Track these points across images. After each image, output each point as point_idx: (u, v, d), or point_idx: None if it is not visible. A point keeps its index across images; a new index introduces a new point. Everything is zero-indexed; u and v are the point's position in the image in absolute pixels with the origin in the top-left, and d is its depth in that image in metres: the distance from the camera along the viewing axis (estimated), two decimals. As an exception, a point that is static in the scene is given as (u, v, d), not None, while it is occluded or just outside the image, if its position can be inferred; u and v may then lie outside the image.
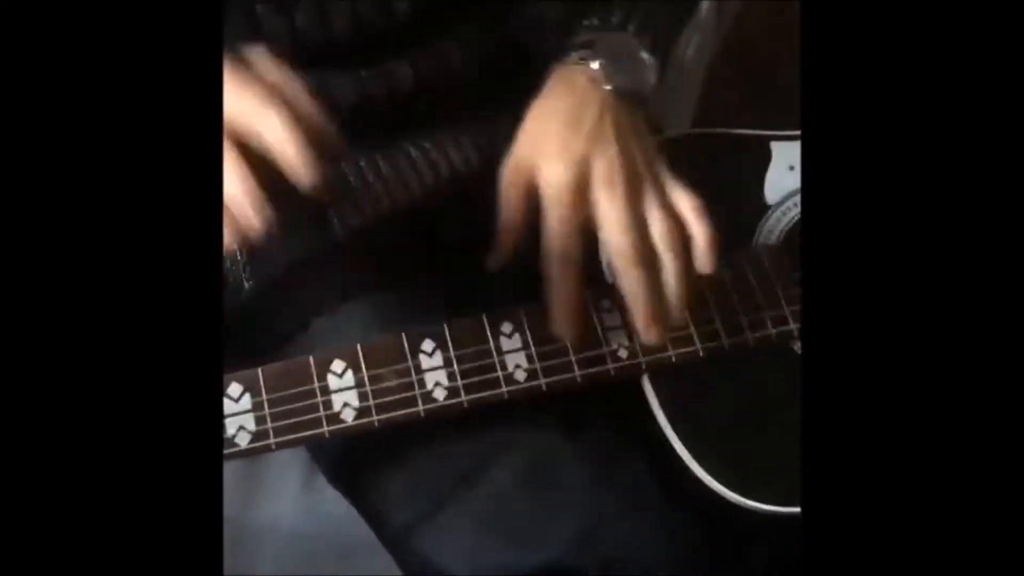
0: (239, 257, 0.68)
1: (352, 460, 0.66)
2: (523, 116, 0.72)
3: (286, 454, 0.62)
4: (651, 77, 0.67)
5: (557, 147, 0.60)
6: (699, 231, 0.59)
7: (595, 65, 0.65)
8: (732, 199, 0.66)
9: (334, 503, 0.69)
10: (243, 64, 0.54)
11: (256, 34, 0.64)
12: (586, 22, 0.68)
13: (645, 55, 0.66)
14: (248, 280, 0.67)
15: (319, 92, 0.65)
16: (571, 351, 0.59)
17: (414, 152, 0.69)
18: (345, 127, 0.66)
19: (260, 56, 0.54)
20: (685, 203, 0.60)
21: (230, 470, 0.71)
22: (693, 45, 0.95)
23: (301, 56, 0.65)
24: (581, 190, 0.59)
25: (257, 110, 0.51)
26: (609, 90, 0.64)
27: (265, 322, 0.66)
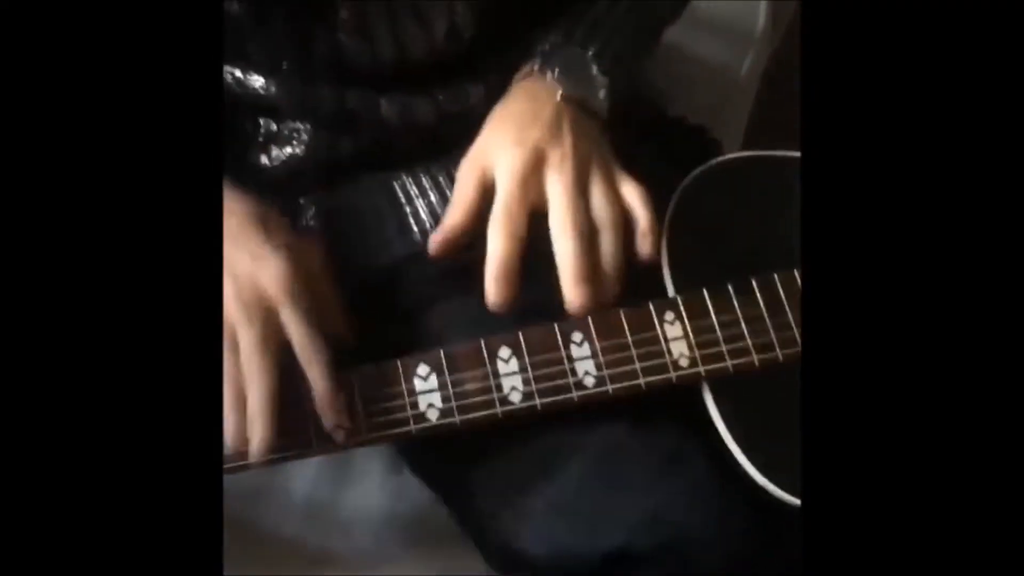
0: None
1: (434, 453, 0.70)
2: None
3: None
4: (600, 93, 0.69)
5: (512, 138, 0.64)
6: (642, 215, 0.64)
7: (549, 76, 0.68)
8: (784, 219, 0.68)
9: (417, 488, 0.74)
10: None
11: (339, 60, 0.69)
12: (551, 37, 0.71)
13: (596, 73, 0.69)
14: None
15: (402, 115, 0.71)
16: (636, 359, 0.63)
17: None
18: (426, 146, 0.72)
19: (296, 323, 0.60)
20: (631, 190, 0.65)
21: (323, 461, 0.77)
22: (748, 63, 0.98)
23: (381, 80, 0.70)
24: (533, 173, 0.63)
25: (253, 365, 0.58)
26: (561, 96, 0.67)
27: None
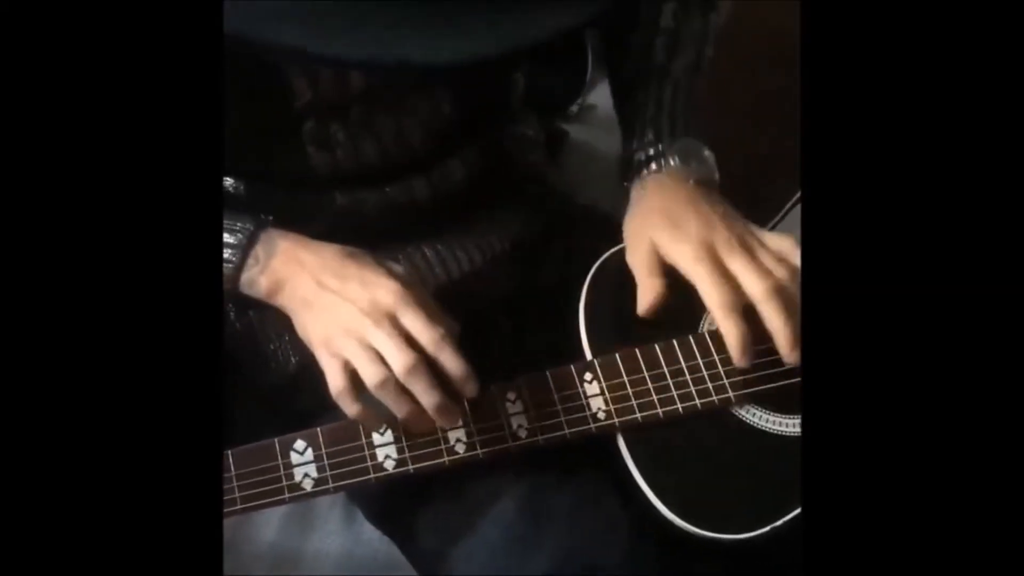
0: (285, 337, 0.83)
1: (385, 499, 0.79)
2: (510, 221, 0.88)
3: (329, 496, 0.75)
4: (715, 172, 0.82)
5: (676, 234, 0.75)
6: (795, 259, 0.74)
7: (673, 163, 0.81)
8: (680, 294, 0.77)
9: (372, 532, 0.82)
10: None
11: (305, 167, 0.78)
12: (643, 139, 0.83)
13: (707, 152, 0.82)
14: (294, 357, 0.83)
15: (352, 207, 0.81)
16: (561, 413, 0.73)
17: (429, 252, 0.84)
18: (375, 232, 0.82)
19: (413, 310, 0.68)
20: (783, 245, 0.75)
21: (288, 511, 0.86)
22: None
23: (339, 180, 0.80)
24: (713, 259, 0.73)
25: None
26: (691, 183, 0.79)
27: (312, 390, 0.80)
